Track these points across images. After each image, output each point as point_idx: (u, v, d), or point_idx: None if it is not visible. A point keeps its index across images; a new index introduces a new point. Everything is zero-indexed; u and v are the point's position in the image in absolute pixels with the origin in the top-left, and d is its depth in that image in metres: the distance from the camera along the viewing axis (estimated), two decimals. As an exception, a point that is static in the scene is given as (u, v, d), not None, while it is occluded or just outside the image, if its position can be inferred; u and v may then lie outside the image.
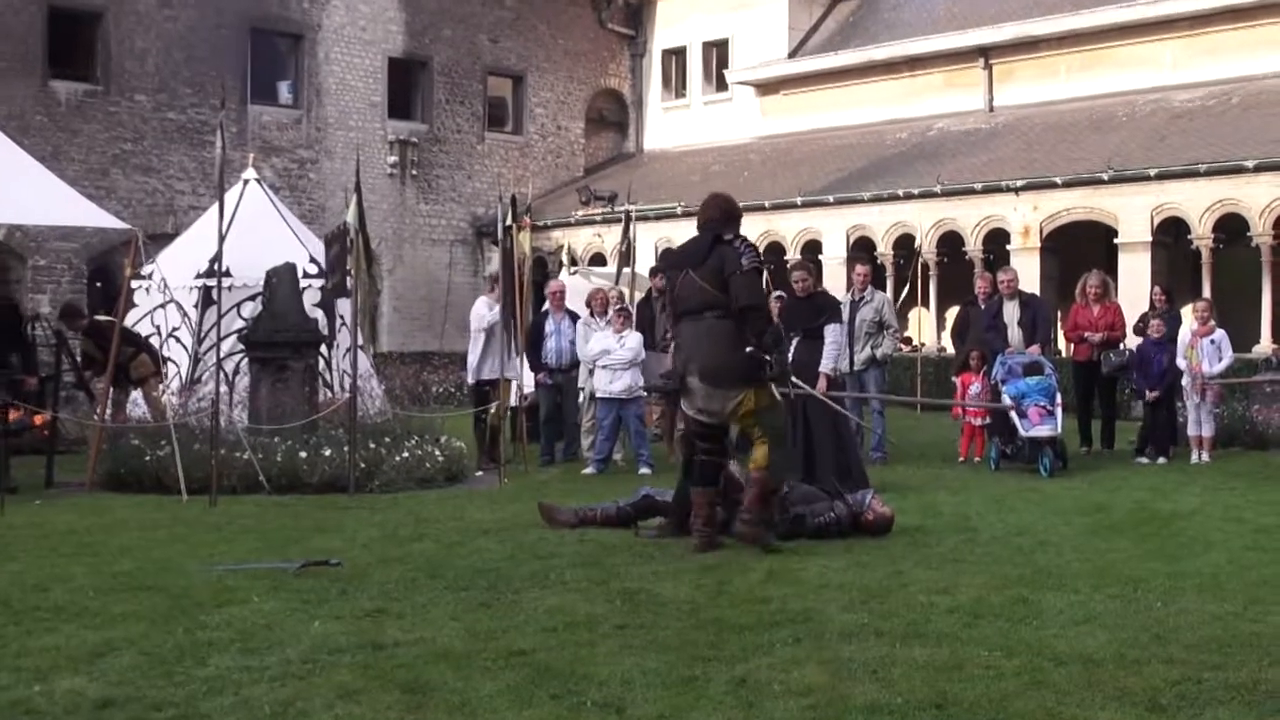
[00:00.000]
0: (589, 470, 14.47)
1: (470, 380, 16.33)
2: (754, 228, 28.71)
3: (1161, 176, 23.64)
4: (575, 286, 19.94)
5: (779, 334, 9.39)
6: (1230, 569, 8.19)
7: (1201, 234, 23.41)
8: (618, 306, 15.03)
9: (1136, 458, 15.06)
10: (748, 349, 8.96)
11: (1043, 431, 13.89)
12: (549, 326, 15.62)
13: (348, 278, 13.31)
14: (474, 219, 34.12)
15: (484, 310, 15.81)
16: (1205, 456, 14.95)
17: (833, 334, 13.03)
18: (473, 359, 15.91)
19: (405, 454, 13.33)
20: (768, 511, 9.13)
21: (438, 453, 13.67)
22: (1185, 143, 24.50)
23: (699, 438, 9.34)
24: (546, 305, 15.93)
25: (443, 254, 33.77)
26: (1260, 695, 5.34)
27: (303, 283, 14.28)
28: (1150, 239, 24.00)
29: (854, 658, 5.92)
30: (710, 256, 9.16)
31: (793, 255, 29.24)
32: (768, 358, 9.01)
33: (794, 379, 10.21)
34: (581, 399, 15.98)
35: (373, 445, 13.29)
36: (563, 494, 12.32)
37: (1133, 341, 16.29)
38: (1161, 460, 14.92)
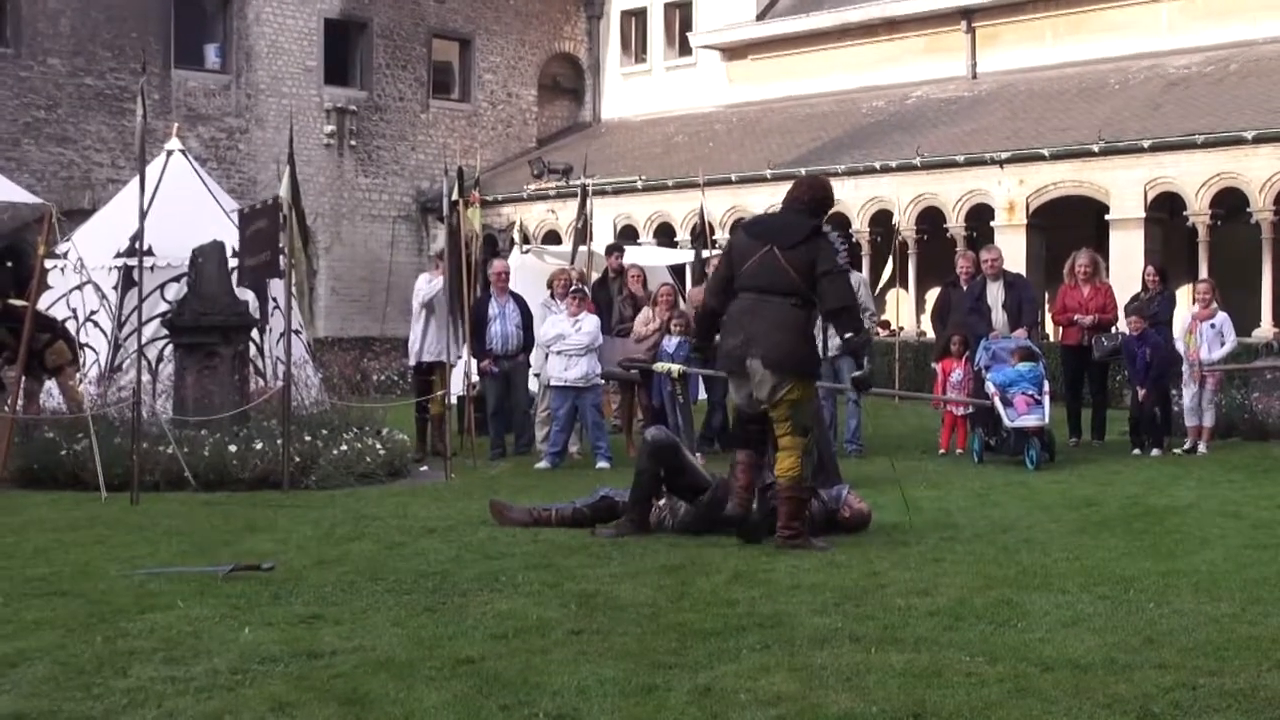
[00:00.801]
0: (542, 465, 14.47)
1: (410, 362, 16.31)
2: (720, 203, 28.80)
3: (1156, 148, 23.78)
4: (528, 266, 19.96)
5: (869, 338, 9.55)
6: (1227, 567, 8.25)
7: (1198, 210, 23.57)
8: (573, 288, 15.02)
9: (1133, 450, 15.14)
10: (847, 335, 9.33)
11: (1029, 421, 13.98)
12: (492, 310, 15.60)
13: (281, 257, 13.24)
14: (418, 193, 34.03)
15: (424, 284, 15.78)
16: (1203, 448, 15.08)
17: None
18: (413, 339, 15.89)
19: (344, 447, 13.30)
20: (803, 519, 9.18)
21: (379, 446, 13.64)
22: (1181, 112, 24.66)
23: (749, 421, 9.42)
24: (491, 287, 15.89)
25: (384, 231, 33.65)
26: (1259, 702, 5.37)
27: (231, 262, 14.18)
28: (1144, 215, 24.16)
29: (826, 665, 5.94)
30: (805, 243, 9.23)
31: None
32: (862, 364, 9.24)
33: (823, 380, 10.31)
34: (535, 387, 15.96)
35: (308, 438, 13.25)
36: (514, 490, 12.29)
37: (1126, 325, 16.33)
38: (1156, 452, 15.02)
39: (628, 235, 31.03)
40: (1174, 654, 6.10)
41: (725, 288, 9.47)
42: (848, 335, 9.39)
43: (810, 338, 9.43)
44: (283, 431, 12.74)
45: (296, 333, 14.37)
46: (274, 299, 15.42)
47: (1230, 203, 23.60)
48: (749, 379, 9.24)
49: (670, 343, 15.14)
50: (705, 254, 19.69)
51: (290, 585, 7.79)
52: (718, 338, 9.63)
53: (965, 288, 16.23)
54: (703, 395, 16.32)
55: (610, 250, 17.86)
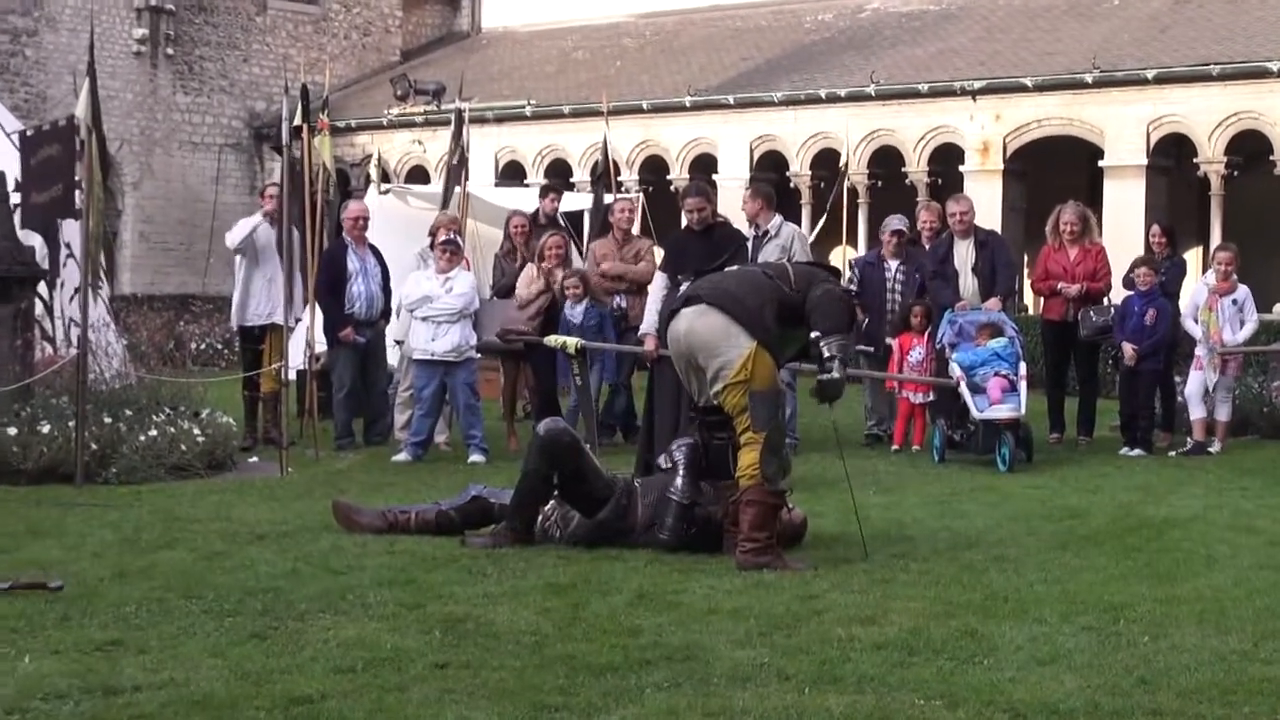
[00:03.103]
0: (401, 457, 14.42)
1: (234, 325, 16.17)
2: (628, 136, 28.80)
3: (1161, 80, 24.04)
4: (388, 210, 19.82)
5: (852, 354, 9.58)
6: (1237, 593, 8.35)
7: (1211, 156, 23.87)
8: (442, 239, 14.91)
9: (1126, 448, 15.33)
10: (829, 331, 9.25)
11: (1002, 412, 14.09)
12: (351, 264, 15.49)
13: (76, 192, 13.07)
14: (251, 116, 33.73)
15: (244, 226, 15.63)
16: (1218, 446, 15.26)
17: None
18: (236, 296, 15.74)
19: (153, 432, 13.17)
20: (771, 531, 9.19)
21: (197, 431, 13.53)
22: (1192, 36, 24.94)
23: (711, 426, 9.48)
24: (344, 235, 15.80)
25: (208, 163, 33.34)
26: (1272, 757, 5.46)
27: (13, 198, 13.98)
28: (1145, 162, 24.43)
29: (749, 709, 5.96)
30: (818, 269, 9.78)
31: (679, 175, 29.34)
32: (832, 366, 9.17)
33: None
34: (395, 361, 15.88)
35: (109, 420, 13.13)
36: (366, 489, 12.23)
37: (1121, 297, 16.45)
38: (1138, 451, 15.12)
39: (513, 173, 30.99)
40: (1172, 698, 6.17)
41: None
42: (831, 333, 9.29)
43: (772, 306, 9.34)
44: (76, 412, 12.59)
45: (95, 288, 14.18)
46: (67, 245, 15.22)
47: (1249, 148, 23.91)
48: (678, 336, 9.34)
49: (576, 311, 15.09)
50: (608, 199, 19.68)
51: (83, 604, 7.69)
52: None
53: (928, 246, 16.33)
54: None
55: (545, 191, 17.76)
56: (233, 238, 15.87)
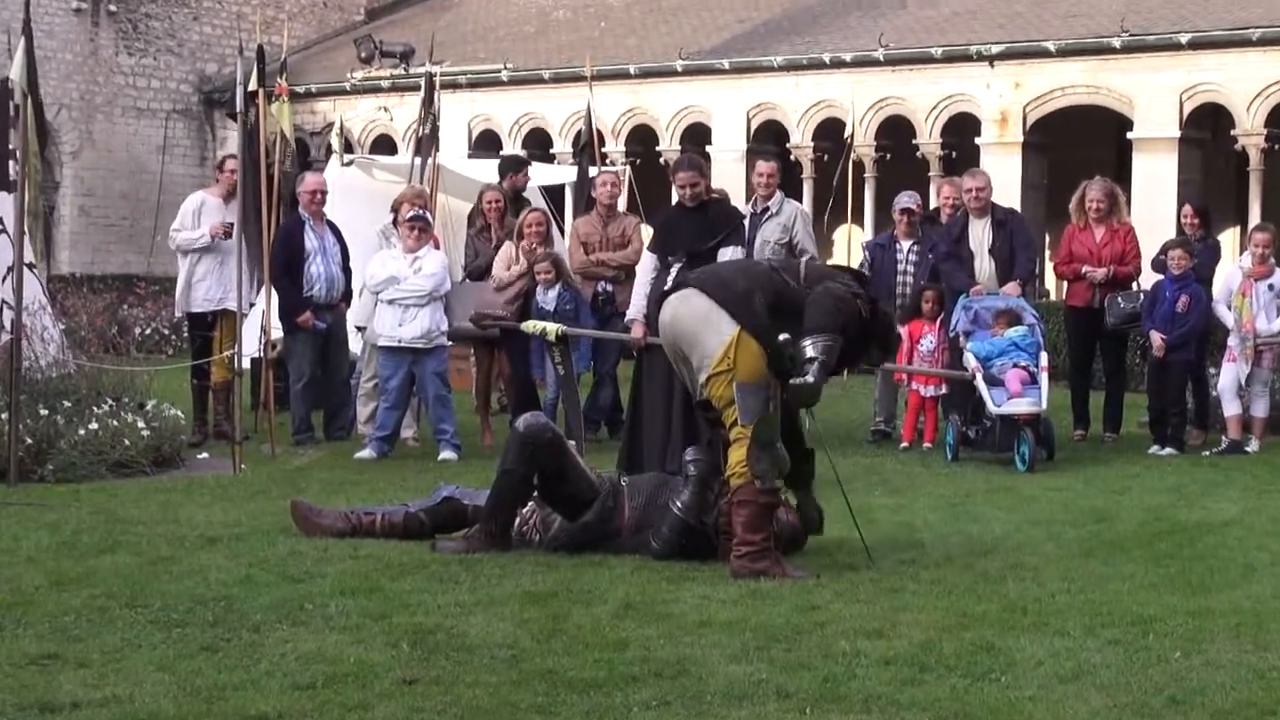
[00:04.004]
0: (366, 453, 14.41)
1: (177, 312, 16.14)
2: (614, 103, 28.79)
3: (1196, 44, 24.05)
4: (351, 184, 19.79)
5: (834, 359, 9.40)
6: (1277, 605, 8.37)
7: (1250, 128, 23.91)
8: (411, 214, 14.85)
9: (1154, 446, 15.35)
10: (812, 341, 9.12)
11: (1021, 407, 14.10)
12: (309, 242, 15.47)
13: (10, 163, 13.04)
14: (202, 80, 33.68)
15: (194, 205, 15.58)
16: (1255, 444, 15.26)
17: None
18: (181, 280, 15.69)
19: (93, 426, 13.16)
20: (767, 534, 9.17)
21: (141, 424, 13.51)
22: (1230, -3, 24.91)
23: (711, 423, 9.48)
24: (301, 211, 15.76)
25: (154, 131, 33.28)
26: (1315, 784, 5.48)
27: (-59, 169, 13.95)
28: (1178, 134, 24.44)
29: (746, 729, 5.97)
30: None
31: (670, 147, 29.33)
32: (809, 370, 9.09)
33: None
34: (358, 348, 15.86)
35: (45, 412, 13.11)
36: (327, 488, 12.23)
37: (1151, 281, 16.45)
38: (1169, 450, 15.12)
39: (488, 143, 30.96)
40: (1206, 718, 6.19)
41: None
42: (818, 331, 9.19)
43: (766, 294, 9.29)
44: (9, 403, 12.58)
45: (30, 267, 14.14)
46: None
47: (1292, 120, 23.92)
48: (665, 322, 9.34)
49: (548, 296, 15.07)
50: (592, 172, 19.66)
51: (18, 613, 7.68)
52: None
53: (944, 225, 16.31)
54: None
55: (506, 170, 17.68)
56: (178, 240, 15.80)
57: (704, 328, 9.15)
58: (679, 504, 9.47)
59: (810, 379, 9.02)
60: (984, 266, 15.45)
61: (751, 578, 8.87)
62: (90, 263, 31.35)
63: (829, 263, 25.57)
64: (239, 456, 13.64)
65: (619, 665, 6.89)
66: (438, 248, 15.22)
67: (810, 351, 9.06)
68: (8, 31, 26.89)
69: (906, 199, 16.93)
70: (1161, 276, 15.74)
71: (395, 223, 15.35)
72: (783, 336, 9.02)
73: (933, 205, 17.83)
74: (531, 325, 14.50)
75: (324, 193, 15.94)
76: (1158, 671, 6.89)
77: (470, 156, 28.45)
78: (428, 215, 15.28)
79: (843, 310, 9.31)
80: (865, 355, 9.84)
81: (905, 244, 16.54)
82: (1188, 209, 17.09)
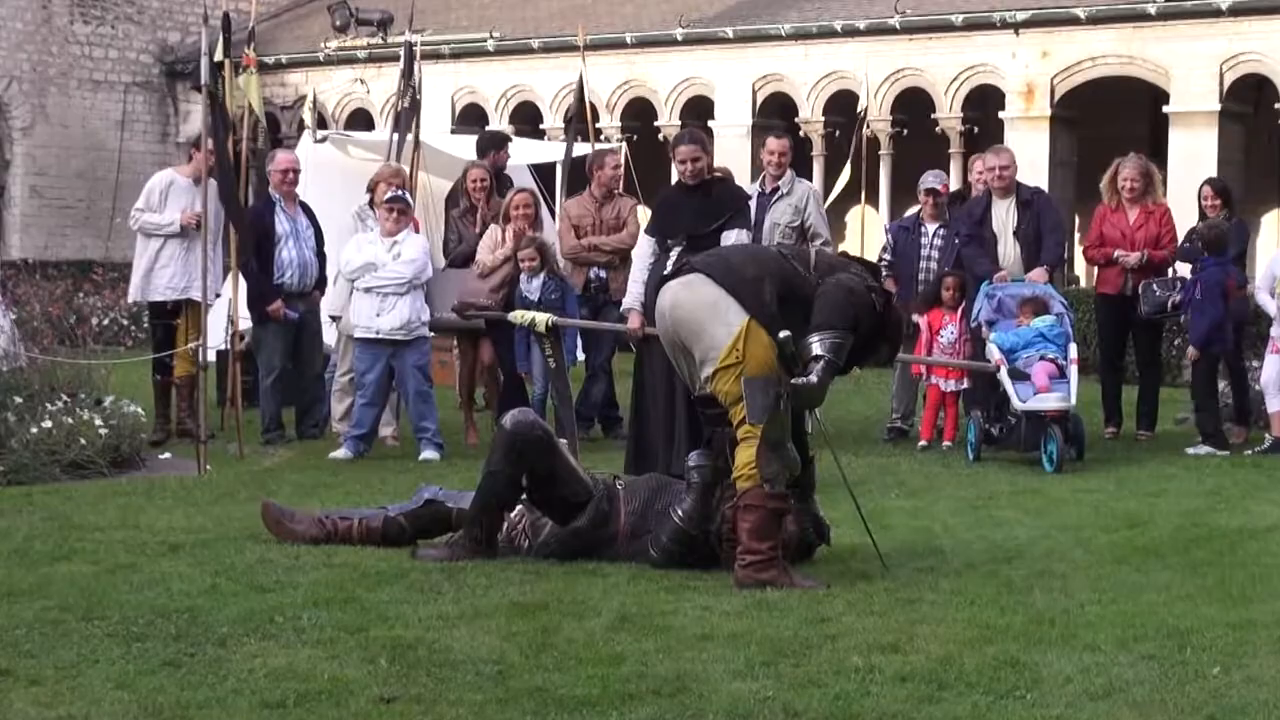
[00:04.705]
0: (341, 453, 14.42)
1: (130, 298, 16.12)
2: (609, 76, 28.78)
3: (1237, 11, 24.04)
4: (325, 161, 19.77)
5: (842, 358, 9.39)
6: (1325, 616, 8.40)
7: (1296, 102, 23.86)
8: (389, 195, 14.82)
9: (1197, 445, 15.33)
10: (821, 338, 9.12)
11: (1049, 402, 14.09)
12: (281, 225, 15.45)
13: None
14: (163, 50, 33.66)
15: (161, 184, 15.56)
16: (1295, 442, 15.29)
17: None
18: (139, 267, 15.66)
19: (47, 424, 13.17)
20: (775, 541, 9.16)
21: (99, 422, 13.52)
22: (1274, -41, 24.90)
23: (712, 420, 9.46)
24: (271, 191, 15.75)
25: (113, 105, 33.26)
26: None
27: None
28: (1218, 107, 24.43)
29: (751, 750, 5.98)
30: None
31: (669, 122, 29.32)
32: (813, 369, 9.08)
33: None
34: (332, 340, 15.86)
35: (-6, 409, 13.09)
36: (300, 491, 12.24)
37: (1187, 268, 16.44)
38: (1207, 450, 15.09)
39: (472, 118, 30.94)
40: (1247, 740, 6.20)
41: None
42: (827, 327, 9.20)
43: (775, 282, 9.27)
44: (-44, 399, 12.57)
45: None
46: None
47: (1341, 92, 23.90)
48: (663, 311, 9.32)
49: (532, 285, 15.04)
50: (580, 149, 19.66)
51: (-36, 626, 7.69)
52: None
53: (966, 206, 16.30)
54: (580, 356, 16.32)
55: (488, 145, 17.65)
56: (141, 221, 15.77)
57: (709, 317, 9.10)
58: (680, 512, 9.45)
59: (813, 379, 9.02)
60: (1008, 251, 15.43)
61: (757, 588, 8.87)
62: (44, 248, 31.34)
63: (840, 248, 25.63)
64: (204, 456, 13.64)
65: (614, 682, 6.89)
66: (418, 231, 15.21)
67: (817, 349, 9.06)
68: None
69: (931, 179, 16.89)
70: (1189, 266, 15.73)
71: (372, 204, 15.33)
72: (783, 334, 8.99)
73: (963, 182, 17.72)
74: (519, 315, 14.46)
75: (296, 171, 15.92)
76: (1195, 688, 6.90)
77: (453, 132, 28.43)
78: (407, 196, 15.24)
79: (855, 305, 9.28)
80: (875, 353, 9.79)
81: (930, 227, 16.52)
82: (1206, 189, 17.04)
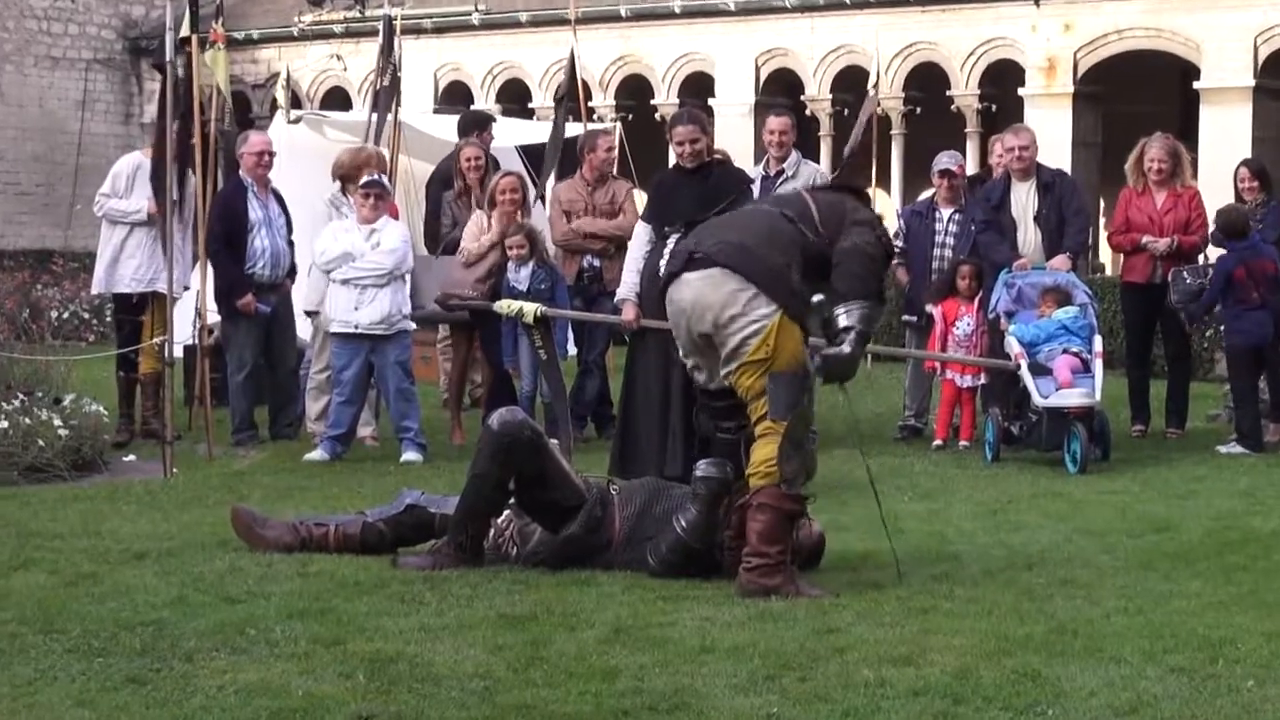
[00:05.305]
0: (317, 455, 14.42)
1: (94, 290, 16.11)
2: (602, 51, 28.78)
3: (1273, -20, 24.04)
4: (300, 144, 19.78)
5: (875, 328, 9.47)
6: (1367, 626, 8.41)
7: (1335, 77, 23.88)
8: (366, 180, 14.78)
9: (1229, 444, 15.32)
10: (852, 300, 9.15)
11: (1072, 399, 14.09)
12: (253, 212, 15.44)
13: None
14: (126, 25, 33.67)
15: (128, 168, 15.55)
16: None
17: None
18: (103, 257, 15.66)
19: (3, 424, 13.18)
20: (785, 546, 9.17)
21: (59, 422, 13.52)
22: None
23: (718, 414, 9.46)
24: (242, 175, 15.74)
25: (73, 84, 33.27)
26: None
27: None
28: (1252, 83, 24.44)
29: (754, 770, 5.99)
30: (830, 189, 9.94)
31: (666, 100, 29.34)
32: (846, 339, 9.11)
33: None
34: (308, 335, 15.86)
35: (-54, 409, 13.11)
36: (272, 495, 12.26)
37: (1217, 254, 16.42)
38: (1239, 449, 15.07)
39: (456, 97, 30.95)
40: (1283, 759, 6.21)
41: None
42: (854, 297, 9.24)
43: (790, 254, 9.32)
44: (-95, 398, 12.59)
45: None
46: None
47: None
48: (683, 306, 9.28)
49: (521, 274, 15.01)
50: (572, 130, 19.65)
51: (-85, 641, 7.70)
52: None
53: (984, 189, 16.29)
54: (572, 350, 16.30)
55: (470, 125, 17.62)
56: (107, 207, 15.75)
57: (739, 311, 9.07)
58: (683, 523, 9.42)
59: (845, 350, 9.06)
60: (1028, 237, 15.44)
61: (761, 596, 8.87)
62: (-1, 236, 31.39)
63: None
64: (170, 459, 13.65)
65: (608, 698, 6.90)
66: (397, 218, 15.19)
67: (845, 320, 9.08)
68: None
69: (946, 159, 16.85)
70: (1223, 251, 15.70)
71: (345, 190, 15.28)
72: (817, 297, 9.05)
73: (981, 164, 17.71)
74: (506, 305, 14.38)
75: (271, 154, 15.85)
76: (1228, 703, 6.91)
77: (436, 112, 28.45)
78: (385, 181, 15.19)
79: (876, 271, 9.40)
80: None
81: (945, 212, 16.50)
82: (1242, 171, 16.97)
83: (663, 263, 11.13)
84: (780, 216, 9.42)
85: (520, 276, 15.02)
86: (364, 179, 14.76)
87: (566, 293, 15.27)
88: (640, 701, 6.84)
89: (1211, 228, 16.02)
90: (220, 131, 16.50)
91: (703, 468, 9.52)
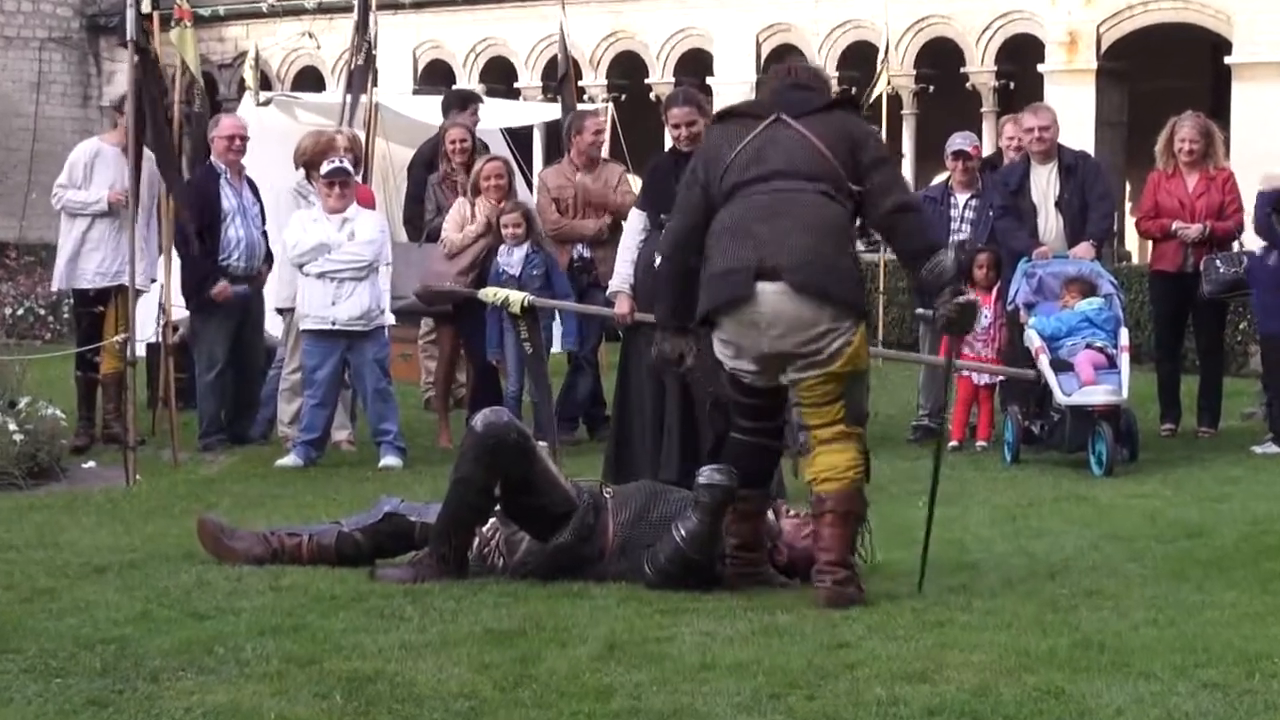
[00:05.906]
0: (289, 460, 14.42)
1: (54, 286, 16.11)
2: (593, 26, 28.81)
3: (1308, -52, 24.05)
4: (270, 127, 19.78)
5: (957, 264, 9.58)
6: None
7: (1376, 52, 23.88)
8: (328, 168, 14.66)
9: (1266, 442, 15.31)
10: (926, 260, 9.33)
11: (1097, 396, 14.09)
12: (227, 200, 15.43)
13: None
14: (83, 2, 33.66)
15: (86, 155, 15.54)
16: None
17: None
18: (63, 251, 15.65)
19: (-46, 429, 13.20)
20: (850, 554, 9.26)
21: (13, 426, 13.54)
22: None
23: (745, 412, 9.47)
24: (214, 161, 15.74)
25: (27, 64, 33.30)
26: None
27: None
28: (1288, 58, 24.42)
29: (759, 796, 5.99)
30: (830, 112, 9.61)
31: (661, 79, 29.36)
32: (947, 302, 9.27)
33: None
34: (279, 332, 15.86)
35: (-107, 413, 13.12)
36: (242, 503, 12.26)
37: (1255, 243, 16.37)
38: (1274, 448, 15.05)
39: (437, 76, 30.95)
40: (1324, 779, 6.21)
41: (704, 218, 9.53)
42: (927, 260, 9.38)
43: (853, 252, 9.54)
44: None
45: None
46: None
47: None
48: (758, 324, 9.23)
49: (513, 257, 14.94)
50: (553, 110, 19.64)
51: None
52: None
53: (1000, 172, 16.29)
54: (557, 347, 16.26)
55: (453, 105, 17.62)
56: (65, 199, 15.73)
57: (827, 327, 9.15)
58: (684, 532, 9.40)
59: (959, 301, 9.34)
60: (1049, 224, 15.44)
61: (844, 607, 8.93)
62: (-52, 230, 31.42)
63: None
64: (133, 465, 13.65)
65: (602, 718, 6.89)
66: (373, 206, 15.16)
67: (933, 270, 9.35)
68: None
69: (960, 140, 16.82)
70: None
71: (309, 178, 15.20)
72: (938, 310, 9.41)
73: (994, 148, 17.70)
74: (491, 293, 14.33)
75: (244, 138, 15.83)
76: (1265, 720, 6.91)
77: (416, 93, 28.44)
78: (349, 166, 15.01)
79: (922, 216, 9.91)
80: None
81: (961, 196, 16.47)
82: None
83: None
84: (822, 197, 9.35)
85: (512, 260, 14.84)
86: (325, 166, 14.61)
87: (566, 281, 15.15)
88: (638, 721, 6.85)
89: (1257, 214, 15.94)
90: (188, 115, 16.47)
91: (706, 474, 9.46)
